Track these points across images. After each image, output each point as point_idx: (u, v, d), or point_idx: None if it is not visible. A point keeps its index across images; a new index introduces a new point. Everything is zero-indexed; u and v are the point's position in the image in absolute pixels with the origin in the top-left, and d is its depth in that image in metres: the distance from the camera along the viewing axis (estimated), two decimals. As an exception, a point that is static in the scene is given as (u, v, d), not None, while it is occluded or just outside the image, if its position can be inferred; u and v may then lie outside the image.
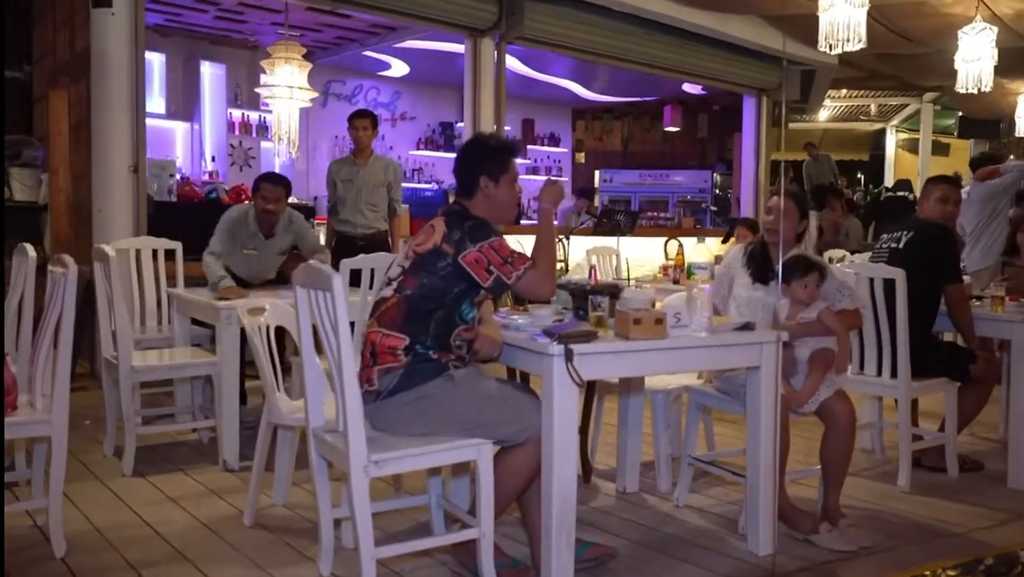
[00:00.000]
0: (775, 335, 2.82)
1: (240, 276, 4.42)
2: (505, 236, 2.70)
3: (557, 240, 7.46)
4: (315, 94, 6.86)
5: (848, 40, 5.41)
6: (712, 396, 3.30)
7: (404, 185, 9.15)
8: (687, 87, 10.17)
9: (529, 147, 11.02)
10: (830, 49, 5.67)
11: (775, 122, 12.00)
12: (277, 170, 9.25)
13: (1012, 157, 8.62)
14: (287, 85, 6.62)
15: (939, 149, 16.39)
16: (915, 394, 3.71)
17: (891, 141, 17.78)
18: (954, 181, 4.29)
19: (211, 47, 8.53)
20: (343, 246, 5.43)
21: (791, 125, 17.40)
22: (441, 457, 2.48)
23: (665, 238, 7.81)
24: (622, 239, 7.72)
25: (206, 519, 3.18)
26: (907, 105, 16.39)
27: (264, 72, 6.62)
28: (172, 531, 3.06)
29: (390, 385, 2.50)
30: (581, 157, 12.85)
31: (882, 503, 3.50)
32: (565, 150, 11.45)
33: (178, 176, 6.81)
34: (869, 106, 16.28)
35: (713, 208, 9.88)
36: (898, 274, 3.58)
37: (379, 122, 5.58)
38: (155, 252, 4.79)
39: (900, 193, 13.79)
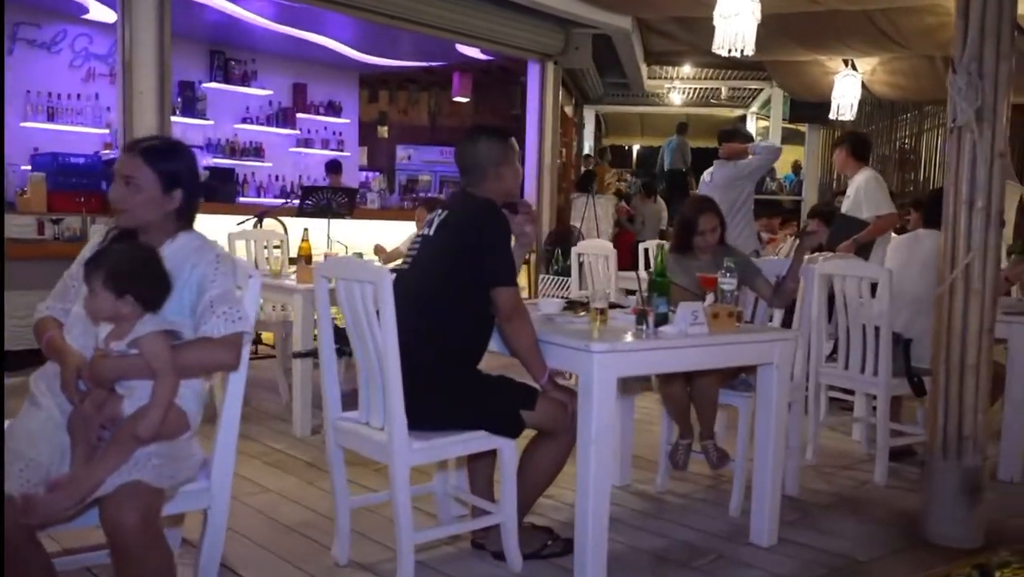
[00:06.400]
0: None
1: None
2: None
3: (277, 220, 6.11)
4: None
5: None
6: None
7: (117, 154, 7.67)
8: (472, 52, 8.87)
9: (300, 116, 9.55)
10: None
11: (585, 96, 10.85)
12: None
13: (761, 137, 7.65)
14: None
15: (794, 137, 15.59)
16: (420, 459, 2.46)
17: (752, 128, 16.95)
18: None
19: None
20: None
21: (651, 109, 16.46)
22: None
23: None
24: (344, 223, 6.36)
25: None
26: (762, 90, 15.56)
27: None
28: None
29: None
30: (384, 131, 11.51)
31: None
32: (348, 120, 10.00)
33: None
34: (720, 90, 15.34)
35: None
36: (378, 277, 2.31)
37: None
38: None
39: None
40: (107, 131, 8.08)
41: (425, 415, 2.46)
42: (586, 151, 13.79)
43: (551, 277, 6.86)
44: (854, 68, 9.00)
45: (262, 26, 8.28)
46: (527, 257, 7.88)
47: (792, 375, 3.51)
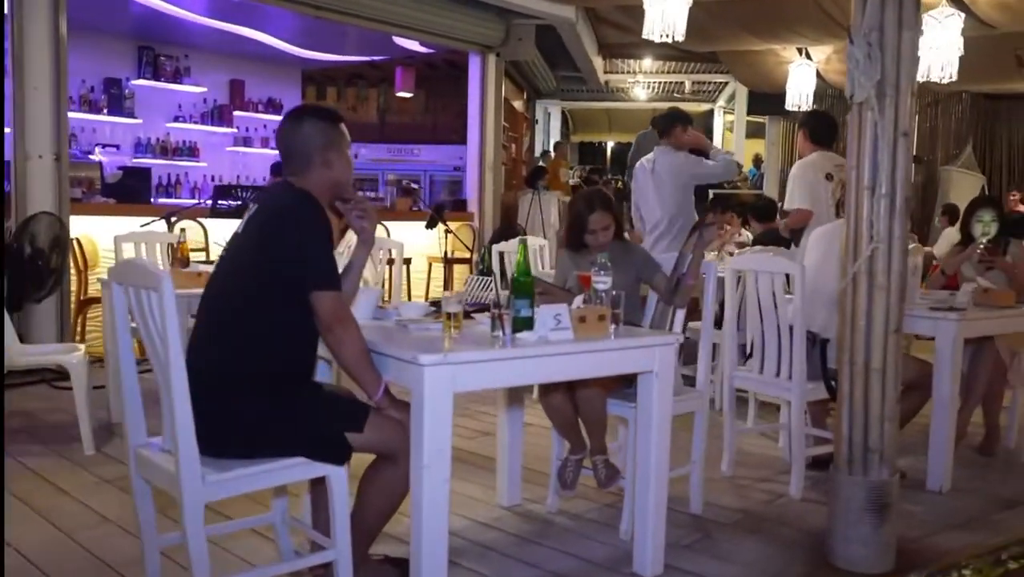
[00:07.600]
0: None
1: None
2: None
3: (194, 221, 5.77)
4: None
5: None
6: None
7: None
8: (412, 45, 8.54)
9: (238, 113, 9.19)
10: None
11: (537, 90, 10.55)
12: None
13: (722, 147, 7.38)
14: None
15: (759, 131, 15.34)
16: (217, 494, 2.11)
17: (719, 123, 16.69)
18: None
19: None
20: None
21: (617, 105, 16.20)
22: None
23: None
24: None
25: None
26: (727, 84, 15.29)
27: None
28: None
29: None
30: (332, 129, 11.14)
31: None
32: (289, 118, 9.64)
33: None
34: (684, 84, 15.05)
35: (414, 186, 8.30)
36: (159, 281, 1.98)
37: None
38: None
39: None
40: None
41: (235, 440, 2.14)
42: (548, 148, 13.47)
43: (476, 277, 6.52)
44: (808, 57, 8.73)
45: (193, 21, 7.93)
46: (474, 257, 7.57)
47: (704, 381, 3.22)
